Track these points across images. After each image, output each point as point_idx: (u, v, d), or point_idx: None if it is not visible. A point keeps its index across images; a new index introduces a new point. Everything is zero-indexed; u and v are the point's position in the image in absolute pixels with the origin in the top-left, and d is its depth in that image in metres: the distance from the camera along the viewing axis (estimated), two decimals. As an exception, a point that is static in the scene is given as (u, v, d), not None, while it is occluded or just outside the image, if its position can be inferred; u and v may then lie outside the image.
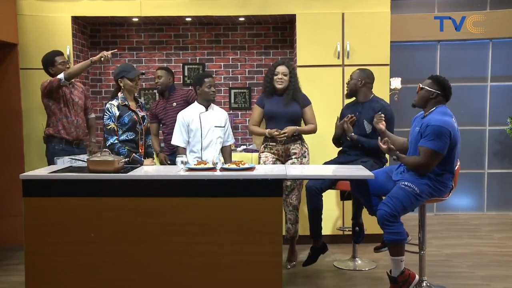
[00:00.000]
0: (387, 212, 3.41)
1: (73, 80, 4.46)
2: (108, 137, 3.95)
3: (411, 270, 3.53)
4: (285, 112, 4.29)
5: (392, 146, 3.59)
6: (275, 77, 4.29)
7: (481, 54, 6.12)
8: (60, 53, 4.52)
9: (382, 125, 3.83)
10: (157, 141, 4.84)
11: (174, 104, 4.72)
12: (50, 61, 4.45)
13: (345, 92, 4.34)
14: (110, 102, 4.02)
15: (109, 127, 3.95)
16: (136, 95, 4.20)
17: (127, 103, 4.02)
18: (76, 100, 4.52)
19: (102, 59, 4.19)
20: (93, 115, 4.78)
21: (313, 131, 4.38)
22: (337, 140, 4.37)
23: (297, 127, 4.30)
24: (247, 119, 5.47)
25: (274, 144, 4.30)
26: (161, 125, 4.85)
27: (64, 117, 4.44)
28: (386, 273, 3.57)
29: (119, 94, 4.05)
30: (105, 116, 3.97)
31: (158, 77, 4.77)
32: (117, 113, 3.97)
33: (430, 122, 3.44)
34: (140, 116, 4.10)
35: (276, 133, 4.20)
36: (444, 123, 3.42)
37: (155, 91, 5.54)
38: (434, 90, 3.55)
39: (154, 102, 5.07)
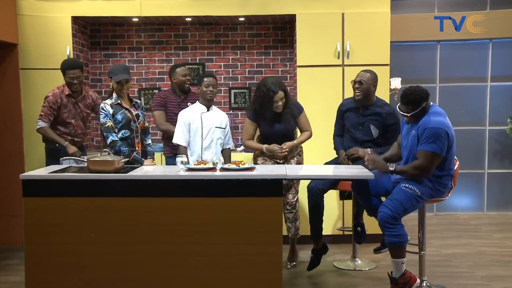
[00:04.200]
0: (388, 215, 3.41)
1: (84, 92, 4.57)
2: (108, 134, 4.01)
3: (412, 270, 3.53)
4: (284, 130, 4.25)
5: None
6: (274, 104, 4.12)
7: (481, 54, 6.11)
8: (73, 67, 4.41)
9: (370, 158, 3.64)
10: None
11: (189, 104, 4.50)
12: (62, 70, 4.44)
13: (356, 97, 4.09)
14: (104, 101, 4.11)
15: (106, 125, 4.02)
16: (131, 95, 4.23)
17: (119, 101, 4.09)
18: (79, 111, 4.54)
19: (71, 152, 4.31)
20: None
21: (309, 137, 4.33)
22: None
23: (295, 141, 4.23)
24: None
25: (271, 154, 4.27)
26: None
27: (63, 126, 4.48)
28: (387, 274, 3.57)
29: (114, 94, 4.12)
30: (101, 115, 4.05)
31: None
32: (111, 111, 4.04)
33: (427, 125, 3.42)
34: (134, 114, 4.15)
35: (276, 148, 4.13)
36: (441, 125, 3.41)
37: (155, 91, 5.55)
38: (420, 107, 3.46)
39: (162, 92, 4.82)
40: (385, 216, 3.41)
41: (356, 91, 4.10)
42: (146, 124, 4.36)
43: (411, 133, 3.56)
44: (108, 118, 4.02)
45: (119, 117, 4.06)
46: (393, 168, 3.51)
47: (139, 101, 4.35)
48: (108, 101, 4.09)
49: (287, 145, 4.17)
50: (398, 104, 3.58)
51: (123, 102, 4.11)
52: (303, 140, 4.31)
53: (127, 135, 4.10)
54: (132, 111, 4.16)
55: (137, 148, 4.15)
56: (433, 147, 3.38)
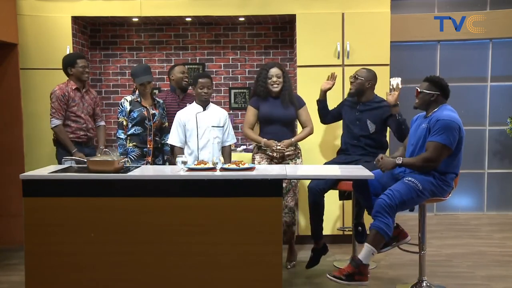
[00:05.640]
0: (386, 202, 3.39)
1: (88, 86, 4.61)
2: (117, 130, 4.31)
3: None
4: (282, 115, 4.27)
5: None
6: (269, 81, 4.24)
7: (481, 54, 6.11)
8: (82, 56, 4.54)
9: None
10: None
11: (188, 104, 4.52)
12: (71, 62, 4.44)
13: (350, 90, 4.28)
14: (125, 97, 4.34)
15: (119, 120, 4.31)
16: (154, 95, 4.51)
17: (139, 99, 4.32)
18: (86, 105, 4.53)
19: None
20: (102, 123, 4.73)
21: (310, 133, 4.34)
22: (323, 108, 4.40)
23: (292, 139, 4.23)
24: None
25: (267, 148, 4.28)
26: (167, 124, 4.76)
27: (74, 122, 4.45)
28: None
29: (137, 91, 4.35)
30: (118, 110, 4.33)
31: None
32: (128, 108, 4.28)
33: (439, 117, 3.46)
34: (150, 113, 4.32)
35: (273, 145, 4.14)
36: (453, 118, 3.46)
37: (156, 91, 5.55)
38: (433, 92, 3.57)
39: (160, 94, 4.90)
40: (383, 203, 3.39)
41: (351, 85, 4.27)
42: (166, 124, 4.47)
43: (420, 127, 3.58)
44: (122, 115, 4.29)
45: (135, 114, 4.29)
46: (400, 161, 3.51)
47: (161, 101, 4.51)
48: (129, 98, 4.33)
49: (285, 143, 4.17)
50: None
51: (143, 100, 4.33)
52: (302, 137, 4.31)
53: (139, 132, 4.31)
54: (150, 109, 4.34)
55: (148, 146, 4.33)
56: (443, 138, 3.40)
